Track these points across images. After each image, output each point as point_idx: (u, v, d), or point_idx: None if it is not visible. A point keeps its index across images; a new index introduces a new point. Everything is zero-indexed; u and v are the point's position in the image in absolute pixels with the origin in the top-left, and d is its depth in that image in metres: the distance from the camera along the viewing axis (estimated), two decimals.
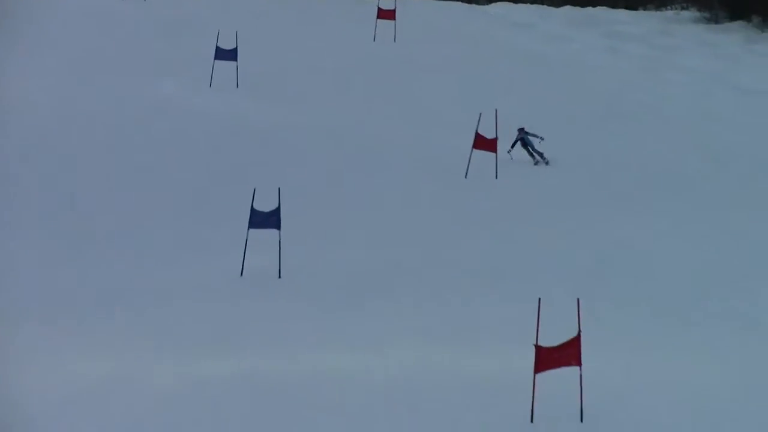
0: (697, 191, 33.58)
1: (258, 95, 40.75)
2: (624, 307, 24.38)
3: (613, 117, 41.68)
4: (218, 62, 40.89)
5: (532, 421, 18.92)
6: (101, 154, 33.97)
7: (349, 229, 29.33)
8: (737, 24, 58.26)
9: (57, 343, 21.36)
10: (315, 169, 34.13)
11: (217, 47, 40.92)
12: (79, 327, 22.42)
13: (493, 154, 33.82)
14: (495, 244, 28.43)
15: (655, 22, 60.01)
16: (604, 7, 63.33)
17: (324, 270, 26.16)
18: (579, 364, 18.80)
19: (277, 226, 25.58)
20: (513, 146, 35.34)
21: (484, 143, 33.77)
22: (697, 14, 60.96)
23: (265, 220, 25.65)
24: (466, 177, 33.80)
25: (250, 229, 25.69)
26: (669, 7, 64.46)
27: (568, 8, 62.45)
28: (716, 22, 59.41)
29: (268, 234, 25.72)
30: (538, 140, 35.31)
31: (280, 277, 25.55)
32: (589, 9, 62.77)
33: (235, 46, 40.73)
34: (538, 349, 18.66)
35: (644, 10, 64.71)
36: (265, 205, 25.76)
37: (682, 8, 63.35)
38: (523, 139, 35.47)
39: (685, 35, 56.48)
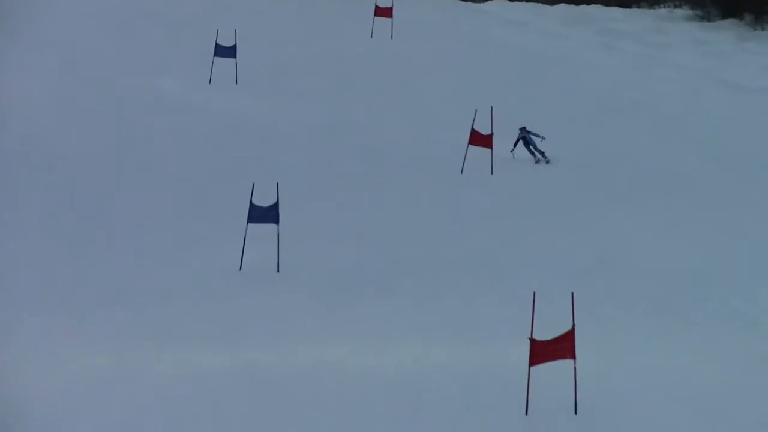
0: (695, 190, 33.41)
1: (257, 91, 40.91)
2: (623, 305, 24.28)
3: (607, 113, 41.68)
4: (217, 59, 41.06)
5: (526, 413, 19.00)
6: (101, 152, 34.03)
7: (346, 223, 29.39)
8: (729, 22, 58.29)
9: (57, 342, 21.37)
10: (313, 164, 34.22)
11: (217, 44, 41.08)
12: (80, 323, 22.46)
13: (489, 150, 33.86)
14: (492, 240, 28.42)
15: (648, 20, 60.05)
16: (598, 5, 63.28)
17: (321, 265, 26.22)
18: (573, 357, 18.86)
19: (276, 221, 25.62)
20: (515, 145, 35.32)
21: (480, 139, 33.87)
22: (690, 12, 61.04)
23: (264, 214, 25.68)
24: (461, 172, 33.88)
25: (249, 224, 25.72)
26: (662, 5, 64.45)
27: (562, 6, 62.41)
28: (709, 20, 59.50)
29: (267, 228, 25.77)
30: (539, 140, 35.30)
31: (278, 271, 25.61)
32: (584, 7, 62.77)
33: (234, 43, 40.90)
34: (533, 342, 18.73)
35: (638, 8, 64.59)
36: (263, 200, 25.79)
37: (675, 6, 63.32)
38: (525, 138, 35.41)
39: (678, 33, 56.48)
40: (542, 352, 18.80)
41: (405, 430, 18.81)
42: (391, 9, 49.79)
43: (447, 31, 53.72)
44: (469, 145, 33.97)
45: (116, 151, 34.23)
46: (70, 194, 30.60)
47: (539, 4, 63.27)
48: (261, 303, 23.85)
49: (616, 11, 62.23)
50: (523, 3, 63.13)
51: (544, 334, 18.88)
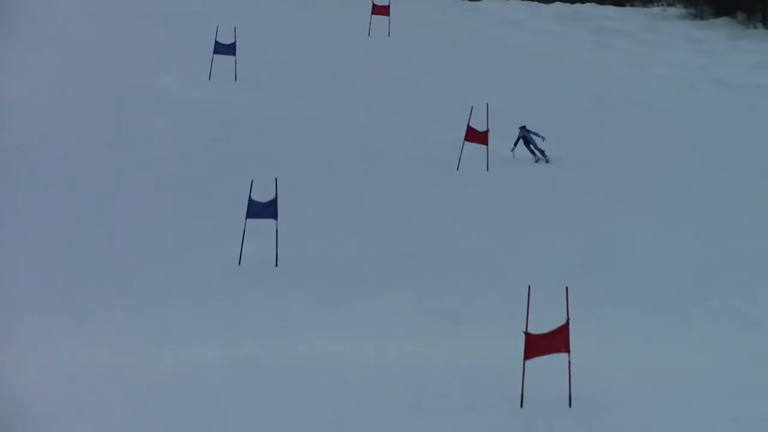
0: (694, 188, 33.22)
1: (256, 88, 41.05)
2: (622, 304, 24.25)
3: (604, 111, 41.62)
4: (217, 56, 41.18)
5: (521, 405, 19.19)
6: (101, 151, 34.07)
7: (344, 219, 29.43)
8: (722, 20, 58.40)
9: (57, 341, 21.37)
10: (311, 160, 34.27)
11: (216, 42, 41.23)
12: (80, 322, 22.45)
13: (485, 146, 33.91)
14: (491, 239, 28.39)
15: (642, 18, 60.11)
16: (593, 4, 63.33)
17: (319, 260, 26.25)
18: (568, 351, 18.99)
19: (274, 216, 25.70)
20: (516, 144, 35.26)
21: (476, 136, 33.94)
22: (683, 11, 61.15)
23: (263, 210, 25.75)
24: (458, 169, 33.93)
25: (248, 219, 25.78)
26: (656, 4, 64.50)
27: (557, 5, 62.38)
28: (702, 18, 59.62)
29: (265, 224, 25.86)
30: (540, 139, 35.23)
31: (276, 265, 25.69)
32: (578, 5, 62.76)
33: (233, 41, 41.00)
34: (528, 336, 18.86)
35: (632, 6, 64.55)
36: (262, 196, 25.89)
37: (669, 5, 63.34)
38: (525, 137, 35.35)
39: (672, 31, 56.51)
40: (537, 345, 18.91)
41: (403, 424, 18.92)
42: (388, 7, 49.93)
43: (443, 29, 53.71)
44: (465, 142, 34.01)
45: (116, 150, 34.24)
46: (70, 194, 30.56)
47: (534, 2, 63.16)
48: (260, 299, 23.92)
49: (610, 10, 62.27)
50: (519, 2, 62.99)
51: (541, 331, 19.04)
